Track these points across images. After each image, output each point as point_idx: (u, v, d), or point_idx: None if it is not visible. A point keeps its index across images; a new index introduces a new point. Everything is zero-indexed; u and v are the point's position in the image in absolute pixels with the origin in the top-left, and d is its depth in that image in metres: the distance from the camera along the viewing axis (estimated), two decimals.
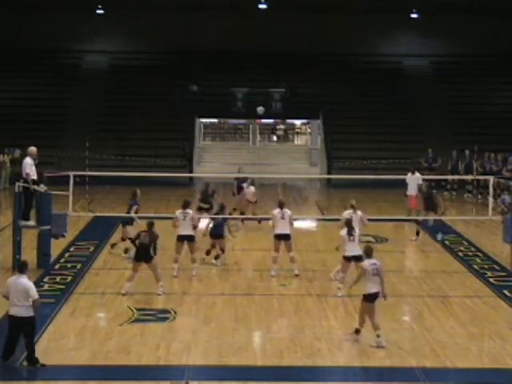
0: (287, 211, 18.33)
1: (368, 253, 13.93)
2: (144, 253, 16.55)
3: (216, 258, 19.32)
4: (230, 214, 21.93)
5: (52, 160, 34.23)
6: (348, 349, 13.43)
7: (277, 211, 18.32)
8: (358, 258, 16.42)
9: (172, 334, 14.14)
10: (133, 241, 17.47)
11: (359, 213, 18.36)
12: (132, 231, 19.48)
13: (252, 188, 24.36)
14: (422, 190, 22.77)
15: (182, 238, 18.17)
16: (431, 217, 22.24)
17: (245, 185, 24.53)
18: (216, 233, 19.26)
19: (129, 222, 20.09)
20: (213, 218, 19.63)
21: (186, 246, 18.33)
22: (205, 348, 13.36)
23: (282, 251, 18.38)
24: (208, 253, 19.39)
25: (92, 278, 17.97)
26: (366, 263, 13.77)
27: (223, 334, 14.15)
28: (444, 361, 12.96)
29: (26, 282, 12.48)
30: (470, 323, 15.02)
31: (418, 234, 22.34)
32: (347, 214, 18.17)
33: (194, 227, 18.40)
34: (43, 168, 21.61)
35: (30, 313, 12.34)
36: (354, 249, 16.57)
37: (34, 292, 12.40)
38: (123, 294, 16.29)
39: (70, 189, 20.17)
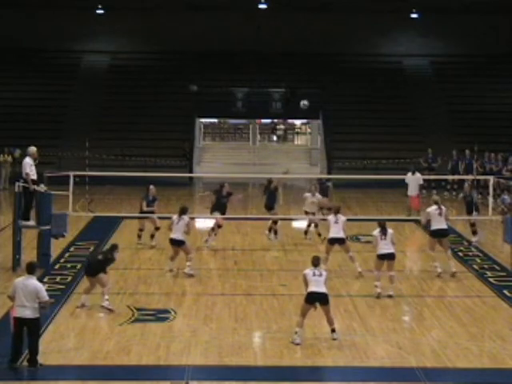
0: (341, 217, 18.74)
1: (316, 263, 14.02)
2: (91, 267, 15.71)
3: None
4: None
5: (52, 160, 34.25)
6: (348, 349, 13.42)
7: (331, 216, 18.83)
8: (391, 256, 16.62)
9: (172, 333, 14.13)
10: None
11: (444, 208, 18.77)
12: (147, 222, 21.23)
13: (314, 196, 22.49)
14: (465, 194, 22.90)
15: (171, 242, 18.40)
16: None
17: (308, 195, 22.54)
18: None
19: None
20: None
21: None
22: (205, 348, 13.36)
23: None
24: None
25: None
26: (310, 271, 13.91)
27: (223, 334, 14.15)
28: (444, 361, 12.96)
29: (35, 283, 12.44)
30: (470, 323, 15.02)
31: None
32: (432, 209, 18.71)
33: (187, 233, 18.40)
34: (43, 168, 21.60)
35: (36, 314, 12.32)
36: (387, 247, 16.68)
37: (44, 294, 12.39)
38: (78, 307, 15.56)
39: (70, 189, 20.18)
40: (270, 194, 22.11)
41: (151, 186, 21.23)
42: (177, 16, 43.71)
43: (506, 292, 17.19)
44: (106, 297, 15.35)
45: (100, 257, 15.87)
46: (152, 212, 21.22)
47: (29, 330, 12.30)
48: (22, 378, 12.16)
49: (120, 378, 12.18)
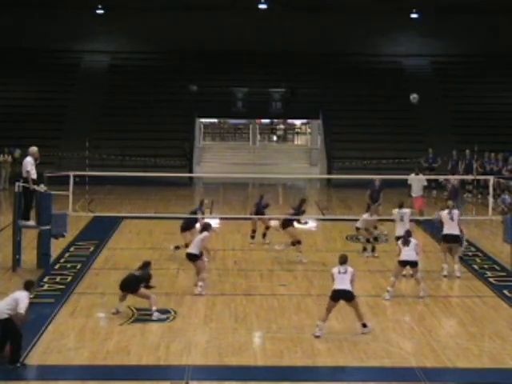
0: (407, 212, 18.87)
1: (342, 261, 14.33)
2: (130, 283, 15.25)
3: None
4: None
5: (52, 160, 34.24)
6: (348, 349, 13.42)
7: (395, 211, 18.93)
8: (412, 264, 16.60)
9: (172, 333, 14.13)
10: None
11: (456, 213, 18.78)
12: (189, 237, 19.26)
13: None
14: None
15: (186, 256, 17.41)
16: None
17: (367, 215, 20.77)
18: None
19: (188, 228, 19.90)
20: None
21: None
22: (205, 348, 13.36)
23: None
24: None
25: (92, 278, 17.97)
26: (335, 269, 14.25)
27: (223, 334, 14.14)
28: (444, 361, 12.96)
29: (22, 294, 12.48)
30: (470, 323, 15.02)
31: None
32: (445, 213, 18.73)
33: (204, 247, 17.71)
34: (43, 168, 21.60)
35: (3, 316, 12.28)
36: (409, 254, 16.60)
37: (22, 306, 12.30)
38: (114, 313, 15.20)
39: (70, 189, 20.17)
40: (259, 210, 21.44)
41: (206, 200, 21.48)
42: (177, 16, 43.72)
43: (505, 292, 17.19)
44: (154, 308, 14.99)
45: (137, 273, 15.42)
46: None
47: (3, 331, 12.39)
48: (21, 378, 12.15)
49: (120, 378, 12.18)
